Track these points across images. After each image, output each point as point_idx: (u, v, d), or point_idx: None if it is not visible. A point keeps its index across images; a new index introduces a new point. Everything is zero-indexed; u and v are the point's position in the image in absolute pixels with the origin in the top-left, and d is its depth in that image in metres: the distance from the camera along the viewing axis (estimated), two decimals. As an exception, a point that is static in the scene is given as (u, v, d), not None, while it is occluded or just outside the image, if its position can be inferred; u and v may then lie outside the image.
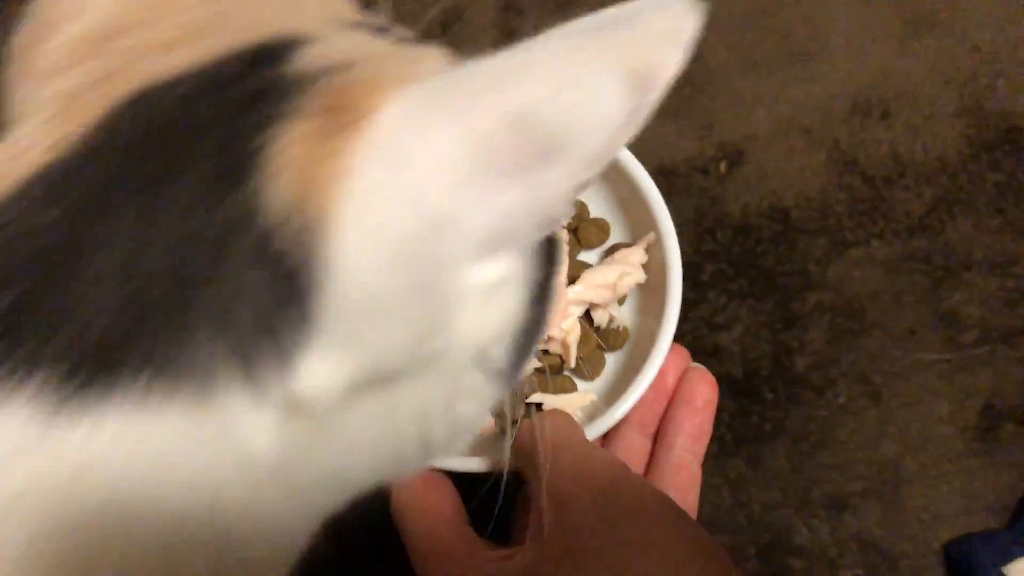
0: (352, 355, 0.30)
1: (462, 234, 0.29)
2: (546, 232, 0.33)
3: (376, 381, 0.31)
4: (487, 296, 0.32)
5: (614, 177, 0.66)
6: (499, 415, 0.60)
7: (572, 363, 0.66)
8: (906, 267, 0.80)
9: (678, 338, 0.66)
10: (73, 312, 0.28)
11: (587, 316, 0.68)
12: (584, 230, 0.70)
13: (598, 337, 0.67)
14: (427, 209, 0.28)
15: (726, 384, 0.77)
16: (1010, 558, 0.70)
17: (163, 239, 0.28)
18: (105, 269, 0.28)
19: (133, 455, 0.28)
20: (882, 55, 0.85)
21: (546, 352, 0.66)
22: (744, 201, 0.82)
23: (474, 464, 0.57)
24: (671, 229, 0.64)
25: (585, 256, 0.72)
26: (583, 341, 0.66)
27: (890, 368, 0.78)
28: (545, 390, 0.63)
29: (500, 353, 0.36)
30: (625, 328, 0.69)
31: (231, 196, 0.28)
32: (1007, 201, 0.82)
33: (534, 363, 0.63)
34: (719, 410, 0.71)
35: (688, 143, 0.83)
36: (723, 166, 0.83)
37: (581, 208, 0.71)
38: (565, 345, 0.66)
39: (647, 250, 0.68)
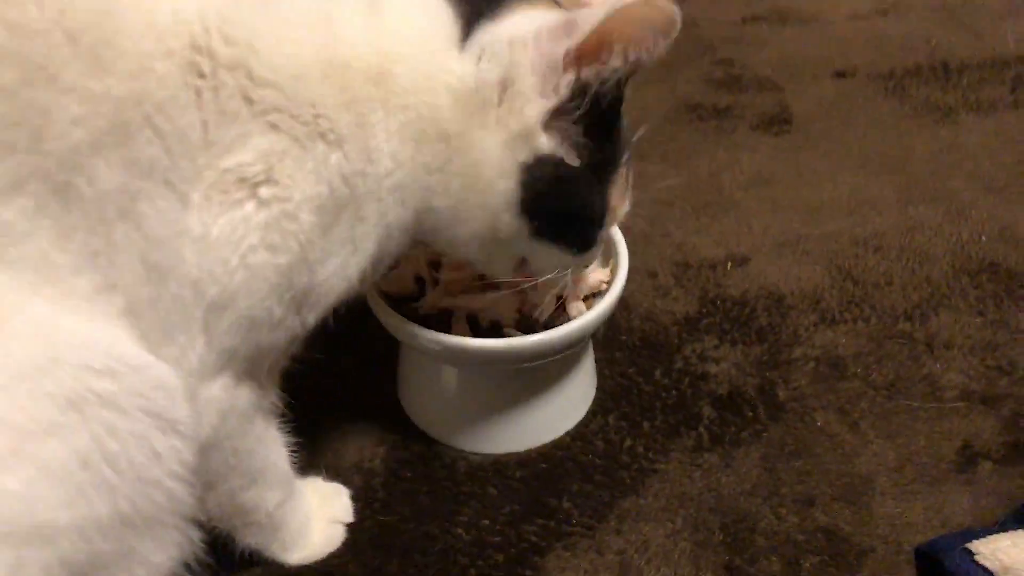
0: None
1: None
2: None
3: None
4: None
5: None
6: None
7: (545, 317, 0.77)
8: (890, 342, 0.88)
9: (670, 365, 0.79)
10: None
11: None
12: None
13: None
14: None
15: (710, 399, 0.84)
16: (979, 537, 0.68)
17: None
18: None
19: None
20: (880, 215, 1.02)
21: (526, 316, 0.78)
22: (744, 287, 0.95)
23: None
24: (625, 263, 0.78)
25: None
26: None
27: (869, 408, 0.82)
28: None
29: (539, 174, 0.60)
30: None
31: None
32: (987, 307, 0.91)
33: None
34: (698, 414, 0.78)
35: (706, 249, 1.00)
36: (729, 265, 0.98)
37: None
38: (544, 309, 0.77)
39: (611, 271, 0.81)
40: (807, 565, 0.71)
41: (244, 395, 0.57)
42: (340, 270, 0.57)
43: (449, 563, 0.71)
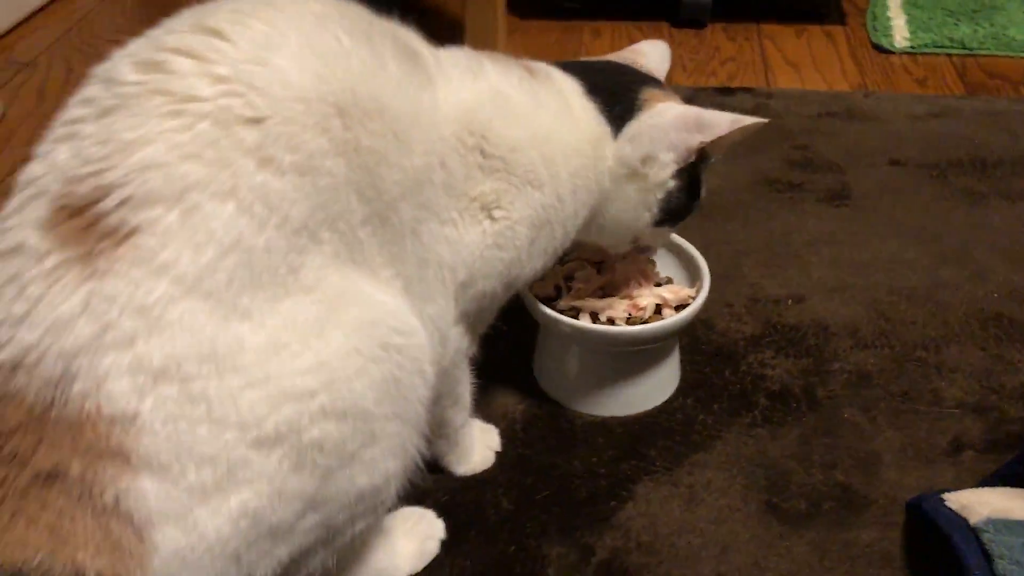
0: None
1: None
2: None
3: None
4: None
5: (685, 259, 1.14)
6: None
7: (646, 318, 1.07)
8: (908, 364, 1.16)
9: (736, 368, 1.12)
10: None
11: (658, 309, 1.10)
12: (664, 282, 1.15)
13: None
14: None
15: (765, 393, 1.12)
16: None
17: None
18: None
19: None
20: (915, 273, 1.30)
21: (632, 317, 1.08)
22: (799, 318, 1.24)
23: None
24: (707, 282, 1.08)
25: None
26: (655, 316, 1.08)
27: (885, 408, 1.10)
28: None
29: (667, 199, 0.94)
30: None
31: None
32: (989, 345, 1.18)
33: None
34: (755, 402, 1.08)
35: (772, 289, 1.29)
36: (790, 302, 1.27)
37: (666, 278, 1.16)
38: (646, 311, 1.08)
39: (696, 292, 1.11)
40: (825, 507, 0.98)
41: (466, 341, 0.89)
42: (536, 265, 0.91)
43: (567, 482, 1.01)
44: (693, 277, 1.11)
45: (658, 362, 1.09)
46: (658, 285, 1.09)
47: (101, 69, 0.68)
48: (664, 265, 1.14)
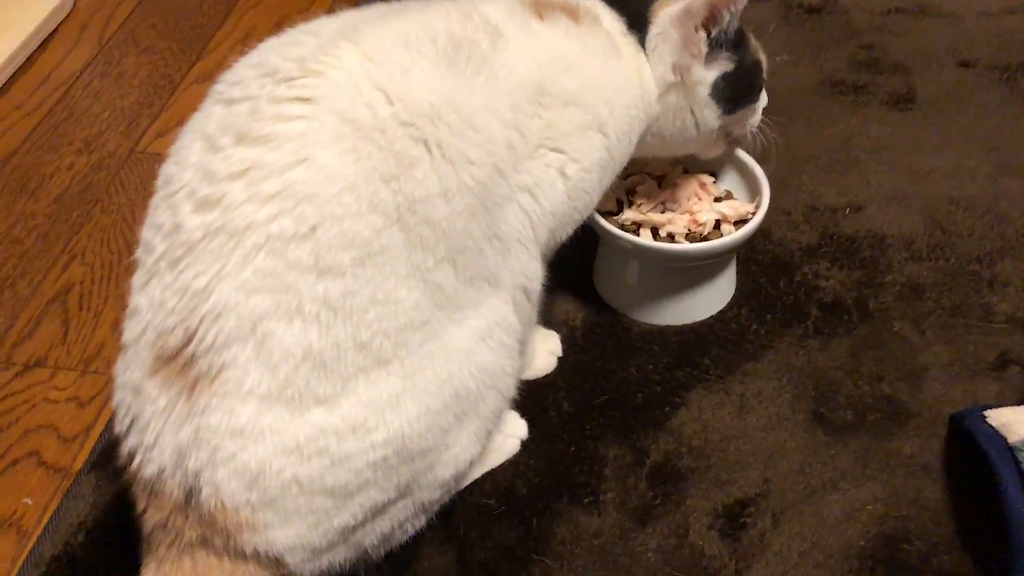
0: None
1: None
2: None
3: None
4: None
5: (745, 174, 1.15)
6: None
7: (707, 233, 1.10)
8: (961, 278, 1.18)
9: (791, 279, 1.16)
10: None
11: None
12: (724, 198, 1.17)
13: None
14: None
15: (817, 304, 1.16)
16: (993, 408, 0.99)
17: None
18: None
19: None
20: (975, 183, 1.30)
21: (692, 232, 1.11)
22: (856, 228, 1.26)
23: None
24: (767, 198, 1.10)
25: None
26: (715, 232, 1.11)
27: (936, 322, 1.13)
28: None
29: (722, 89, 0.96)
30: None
31: None
32: (1044, 259, 1.19)
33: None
34: (807, 313, 1.12)
35: (830, 197, 1.30)
36: (847, 211, 1.28)
37: (728, 193, 1.18)
38: (706, 226, 1.11)
39: (755, 208, 1.13)
40: (871, 418, 1.03)
41: (541, 272, 0.94)
42: (600, 194, 0.96)
43: (624, 388, 1.07)
44: (753, 192, 1.13)
45: (715, 275, 1.12)
46: (718, 200, 1.12)
47: (166, 205, 0.74)
48: (724, 179, 1.16)
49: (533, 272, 0.90)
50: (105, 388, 1.15)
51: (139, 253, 0.77)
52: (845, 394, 1.06)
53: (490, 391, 0.83)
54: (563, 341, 1.12)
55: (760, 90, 1.05)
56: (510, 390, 0.87)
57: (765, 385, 1.07)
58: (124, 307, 0.78)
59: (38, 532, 1.01)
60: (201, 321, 0.70)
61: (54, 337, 1.21)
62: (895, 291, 1.17)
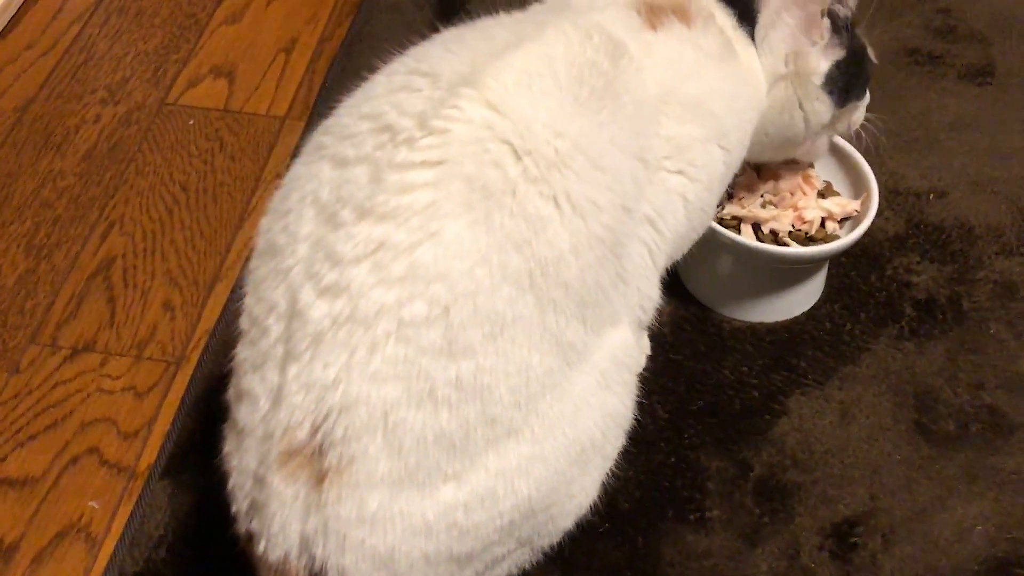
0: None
1: None
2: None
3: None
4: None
5: (850, 168, 1.09)
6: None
7: (813, 232, 1.05)
8: (1054, 275, 1.15)
9: (882, 272, 1.10)
10: None
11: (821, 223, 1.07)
12: (826, 192, 1.11)
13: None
14: None
15: (911, 302, 1.12)
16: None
17: None
18: None
19: None
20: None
21: (798, 230, 1.06)
22: (942, 216, 1.21)
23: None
24: (876, 197, 1.04)
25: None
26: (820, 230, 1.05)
27: (1032, 323, 1.10)
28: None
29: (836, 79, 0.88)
30: (838, 236, 1.07)
31: None
32: None
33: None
34: (901, 312, 1.08)
35: (912, 180, 1.25)
36: (931, 196, 1.24)
37: (827, 184, 1.12)
38: (812, 224, 1.05)
39: (861, 204, 1.07)
40: (973, 430, 1.01)
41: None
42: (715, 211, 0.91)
43: (720, 392, 1.03)
44: (854, 183, 1.07)
45: (813, 272, 1.08)
46: (820, 195, 1.06)
47: (277, 280, 0.68)
48: (822, 167, 1.10)
49: (651, 297, 0.84)
50: (163, 377, 1.08)
51: (244, 322, 0.72)
52: (945, 403, 1.03)
53: (614, 432, 0.78)
54: (650, 337, 1.07)
55: (869, 80, 0.98)
56: (630, 422, 0.82)
57: (864, 391, 1.04)
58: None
59: (108, 540, 0.95)
60: (329, 414, 0.65)
61: (101, 318, 1.13)
62: (987, 289, 1.13)
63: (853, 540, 0.93)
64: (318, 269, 0.66)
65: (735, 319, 1.10)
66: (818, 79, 0.91)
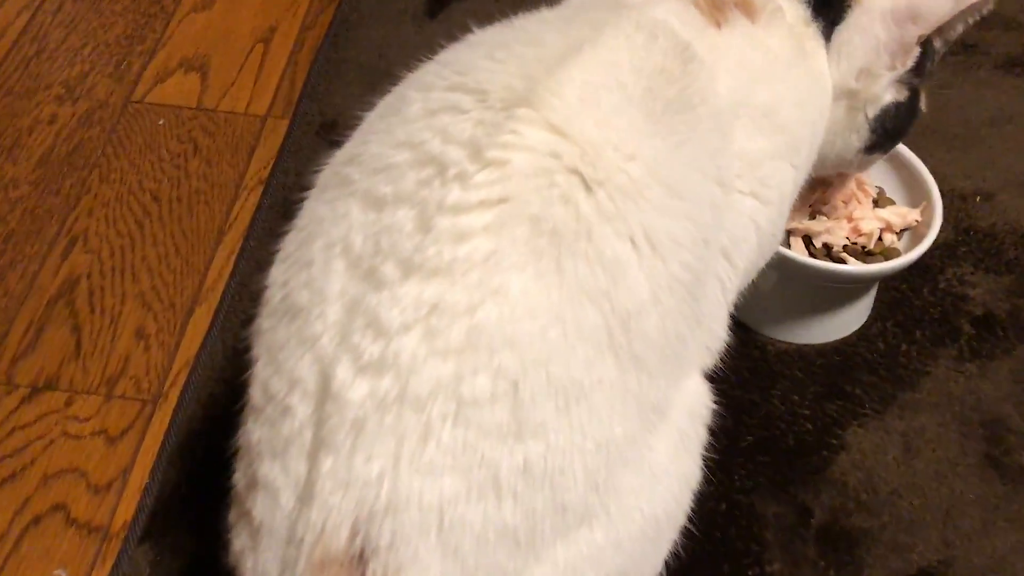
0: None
1: None
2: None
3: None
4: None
5: (906, 174, 0.99)
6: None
7: (871, 247, 0.94)
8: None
9: (935, 285, 0.99)
10: None
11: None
12: (880, 200, 1.01)
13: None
14: None
15: (968, 318, 1.02)
16: None
17: None
18: None
19: None
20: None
21: (854, 243, 0.95)
22: (991, 221, 1.11)
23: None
24: (939, 204, 0.94)
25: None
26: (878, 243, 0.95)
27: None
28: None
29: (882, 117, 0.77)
30: (897, 249, 0.98)
31: None
32: None
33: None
34: (959, 329, 0.99)
35: (956, 180, 1.15)
36: (978, 199, 1.14)
37: (881, 190, 1.02)
38: (869, 237, 0.94)
39: (921, 212, 0.97)
40: (1049, 462, 0.92)
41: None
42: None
43: (771, 426, 0.93)
44: (909, 188, 0.97)
45: (866, 290, 0.97)
46: (875, 202, 0.96)
47: (302, 349, 0.56)
48: (873, 171, 0.99)
49: (721, 338, 0.73)
50: (138, 418, 0.94)
51: (256, 395, 0.59)
52: (1017, 432, 0.94)
53: (687, 498, 0.67)
54: (689, 363, 0.96)
55: (900, 140, 0.89)
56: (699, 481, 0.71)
57: (928, 421, 0.94)
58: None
59: (81, 616, 0.82)
60: (373, 517, 0.53)
61: (64, 350, 0.99)
62: (1049, 301, 1.04)
63: (929, 594, 0.83)
64: (358, 341, 0.53)
65: (780, 340, 0.99)
66: (872, 111, 0.80)
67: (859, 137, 0.81)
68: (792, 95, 0.73)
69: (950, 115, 1.23)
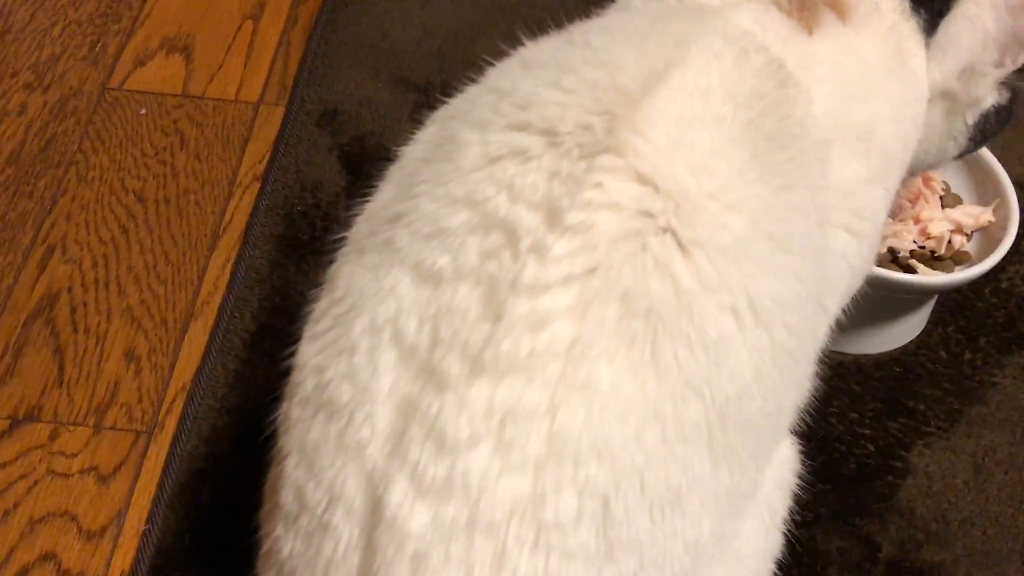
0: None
1: None
2: None
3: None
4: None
5: (974, 168, 0.90)
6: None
7: (942, 251, 0.86)
8: None
9: (997, 285, 0.90)
10: None
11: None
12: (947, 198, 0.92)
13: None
14: None
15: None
16: None
17: None
18: None
19: None
20: None
21: (922, 247, 0.86)
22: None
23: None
24: (1015, 202, 0.86)
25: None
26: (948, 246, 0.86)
27: None
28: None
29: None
30: (967, 253, 0.89)
31: None
32: None
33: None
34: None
35: (1013, 166, 1.06)
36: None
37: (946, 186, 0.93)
38: (939, 241, 0.86)
39: (993, 211, 0.89)
40: None
41: None
42: None
43: (830, 449, 0.85)
44: (977, 183, 0.88)
45: (931, 298, 0.89)
46: (942, 201, 0.87)
47: (344, 459, 0.47)
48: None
49: (808, 391, 0.64)
50: (131, 452, 0.85)
51: (288, 499, 0.49)
52: (1094, 449, 0.86)
53: (770, 567, 0.62)
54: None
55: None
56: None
57: (998, 438, 0.86)
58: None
59: None
60: None
61: (46, 375, 0.90)
62: (1119, 301, 0.96)
63: (1010, 635, 0.76)
64: (416, 456, 0.44)
65: (836, 351, 0.91)
66: (973, 115, 0.71)
67: (956, 144, 0.72)
68: (888, 110, 0.63)
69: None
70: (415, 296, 0.46)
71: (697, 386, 0.46)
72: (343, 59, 1.13)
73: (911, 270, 0.83)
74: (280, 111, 1.09)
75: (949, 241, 0.85)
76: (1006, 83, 0.70)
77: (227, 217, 1.01)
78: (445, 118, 0.55)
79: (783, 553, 0.78)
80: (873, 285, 0.82)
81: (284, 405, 0.52)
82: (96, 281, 0.95)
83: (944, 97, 0.69)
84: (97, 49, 1.14)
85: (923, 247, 0.85)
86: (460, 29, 1.16)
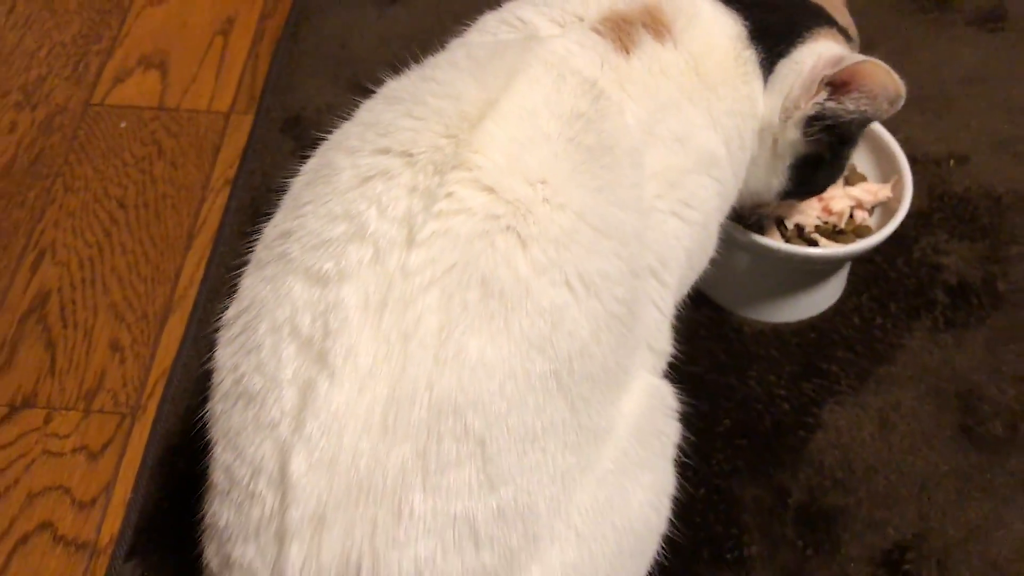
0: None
1: None
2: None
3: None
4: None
5: (876, 148, 0.97)
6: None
7: (843, 225, 0.94)
8: (1092, 246, 1.05)
9: (909, 256, 0.99)
10: None
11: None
12: (852, 176, 1.00)
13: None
14: None
15: (943, 288, 1.02)
16: None
17: None
18: None
19: None
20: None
21: (825, 223, 0.94)
22: (965, 185, 1.11)
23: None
24: (910, 179, 0.93)
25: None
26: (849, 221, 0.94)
27: (1073, 304, 1.01)
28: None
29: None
30: (868, 227, 0.97)
31: None
32: None
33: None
34: (933, 300, 0.99)
35: (930, 145, 1.14)
36: (952, 162, 1.13)
37: (851, 166, 1.01)
38: (841, 216, 0.94)
39: (892, 187, 0.96)
40: (1023, 430, 0.92)
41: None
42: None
43: (748, 409, 0.93)
44: (878, 161, 0.96)
45: (840, 267, 0.97)
46: (846, 180, 0.95)
47: (271, 442, 0.56)
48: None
49: (665, 351, 0.74)
50: (117, 432, 0.95)
51: (219, 478, 0.59)
52: (990, 401, 0.94)
53: (665, 503, 0.68)
54: (665, 348, 0.96)
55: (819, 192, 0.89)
56: (673, 487, 0.72)
57: (903, 395, 0.94)
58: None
59: (72, 636, 0.83)
60: None
61: (39, 366, 0.99)
62: (1023, 267, 1.04)
63: (906, 568, 0.84)
64: (310, 431, 0.53)
65: (756, 320, 0.99)
66: (790, 158, 0.79)
67: (779, 183, 0.81)
68: (703, 119, 0.71)
69: (923, 76, 1.21)
70: (307, 297, 0.56)
71: (540, 345, 0.56)
72: (305, 68, 1.21)
73: (815, 244, 0.91)
74: (249, 119, 1.18)
75: (851, 216, 0.93)
76: (821, 136, 0.77)
77: (201, 219, 1.10)
78: (323, 150, 0.64)
79: (701, 500, 0.87)
80: (782, 259, 0.91)
81: (209, 403, 0.62)
82: (83, 281, 1.05)
83: (770, 130, 0.77)
84: (80, 68, 1.23)
85: (827, 223, 0.93)
86: (414, 35, 1.23)
